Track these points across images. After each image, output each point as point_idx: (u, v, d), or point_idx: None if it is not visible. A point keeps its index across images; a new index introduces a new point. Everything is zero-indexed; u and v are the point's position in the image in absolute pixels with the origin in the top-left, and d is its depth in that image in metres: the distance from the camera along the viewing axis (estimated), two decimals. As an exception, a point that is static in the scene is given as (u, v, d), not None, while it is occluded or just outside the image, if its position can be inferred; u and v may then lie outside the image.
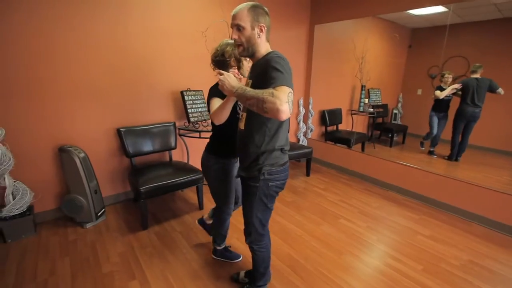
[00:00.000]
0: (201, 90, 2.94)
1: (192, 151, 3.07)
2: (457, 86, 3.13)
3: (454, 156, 3.29)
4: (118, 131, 2.47)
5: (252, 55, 1.26)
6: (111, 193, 2.68)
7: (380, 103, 4.19)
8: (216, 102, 1.42)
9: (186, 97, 2.76)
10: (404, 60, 3.95)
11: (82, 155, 2.23)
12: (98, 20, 2.29)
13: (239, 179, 1.58)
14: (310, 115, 4.21)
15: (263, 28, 1.20)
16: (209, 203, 2.68)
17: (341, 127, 4.33)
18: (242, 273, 1.76)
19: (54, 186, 2.36)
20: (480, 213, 2.52)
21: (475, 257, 2.04)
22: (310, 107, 4.20)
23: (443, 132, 3.48)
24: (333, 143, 4.07)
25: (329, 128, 4.26)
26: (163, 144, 2.73)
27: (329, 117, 4.17)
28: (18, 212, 2.08)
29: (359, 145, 3.99)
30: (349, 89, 4.25)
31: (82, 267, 1.83)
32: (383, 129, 4.33)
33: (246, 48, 1.22)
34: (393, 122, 4.24)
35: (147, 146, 2.62)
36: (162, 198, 2.86)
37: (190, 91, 2.82)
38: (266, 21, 1.21)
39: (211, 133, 1.69)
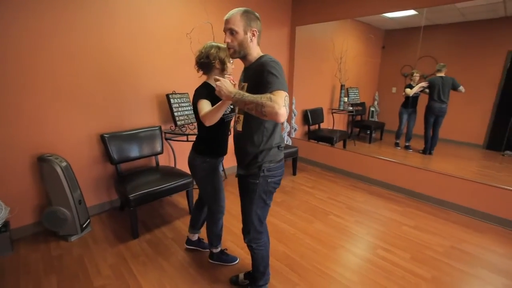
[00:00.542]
0: (187, 93, 2.89)
1: (179, 155, 3.00)
2: (424, 84, 3.39)
3: (428, 149, 3.52)
4: (102, 137, 2.35)
5: (243, 58, 1.31)
6: (95, 203, 2.55)
7: (359, 102, 4.38)
8: (206, 104, 1.47)
9: (172, 100, 2.69)
10: (379, 60, 4.16)
11: (64, 164, 2.10)
12: (81, 23, 2.17)
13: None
14: (293, 114, 4.29)
15: (255, 33, 1.26)
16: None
17: (322, 125, 4.45)
18: (241, 275, 1.76)
19: (32, 199, 2.20)
20: (455, 201, 2.72)
21: (455, 243, 2.20)
22: (294, 107, 4.28)
23: (416, 127, 3.72)
24: (316, 141, 4.18)
25: (312, 127, 4.37)
26: (149, 149, 2.64)
27: (312, 117, 4.27)
28: (-7, 229, 1.92)
29: (341, 143, 4.13)
30: (329, 88, 4.39)
31: (71, 284, 1.73)
32: (362, 126, 4.52)
33: (238, 51, 1.28)
34: (370, 119, 4.44)
35: (133, 152, 2.52)
36: (151, 204, 2.77)
37: (175, 94, 2.76)
38: (258, 25, 1.27)
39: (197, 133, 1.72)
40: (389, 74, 4.09)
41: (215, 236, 1.87)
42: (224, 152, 1.77)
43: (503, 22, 2.98)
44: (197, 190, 1.89)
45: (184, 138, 2.69)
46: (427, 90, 3.43)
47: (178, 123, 2.70)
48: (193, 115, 2.84)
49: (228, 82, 1.22)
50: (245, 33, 1.24)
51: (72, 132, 2.30)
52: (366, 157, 3.45)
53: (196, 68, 1.65)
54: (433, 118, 3.42)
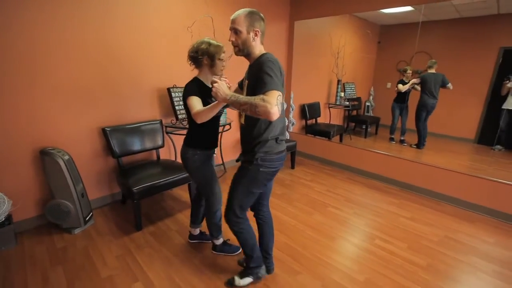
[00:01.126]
0: (187, 87, 2.89)
1: (180, 148, 3.00)
2: (416, 80, 3.48)
3: (422, 143, 3.63)
4: (103, 130, 2.35)
5: (247, 56, 1.40)
6: (97, 196, 2.55)
7: (355, 97, 4.44)
8: (197, 101, 1.53)
9: (173, 94, 2.69)
10: (374, 55, 4.22)
11: (66, 157, 2.10)
12: (81, 16, 2.14)
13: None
14: (291, 109, 4.33)
15: (257, 33, 1.34)
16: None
17: (319, 120, 4.51)
18: (237, 278, 1.79)
19: (34, 192, 2.19)
20: (449, 193, 2.83)
21: (449, 233, 2.30)
22: (291, 101, 4.31)
23: (408, 122, 3.81)
24: (313, 135, 4.23)
25: (309, 122, 4.42)
26: (151, 142, 2.65)
27: (309, 111, 4.32)
28: (-4, 223, 1.92)
29: (337, 137, 4.20)
30: (326, 83, 4.44)
31: (78, 275, 1.75)
32: (358, 121, 4.60)
33: (242, 49, 1.37)
34: (366, 114, 4.53)
35: (135, 145, 2.53)
36: (152, 198, 2.79)
37: (176, 87, 2.75)
38: (261, 26, 1.35)
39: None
40: (384, 69, 4.16)
41: (215, 226, 1.90)
42: (214, 145, 1.80)
43: (496, 19, 3.06)
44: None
45: (185, 131, 2.69)
46: (417, 87, 3.52)
47: (180, 116, 2.71)
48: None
49: (225, 85, 1.32)
50: (248, 32, 1.32)
51: (73, 126, 2.29)
52: (363, 151, 3.53)
53: (189, 62, 1.69)
54: (425, 112, 3.52)
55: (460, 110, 3.51)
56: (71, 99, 2.24)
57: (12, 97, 1.97)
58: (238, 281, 1.67)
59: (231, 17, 1.34)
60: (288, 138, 4.34)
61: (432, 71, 3.37)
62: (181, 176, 2.38)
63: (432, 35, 3.42)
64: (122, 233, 2.20)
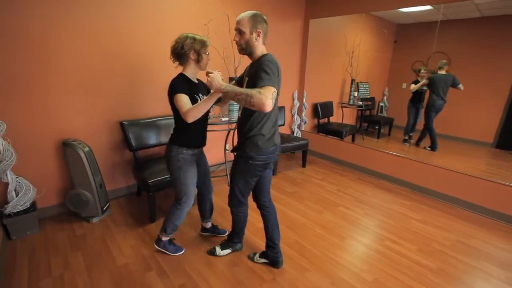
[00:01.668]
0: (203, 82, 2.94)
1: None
2: (425, 81, 3.41)
3: (436, 145, 3.55)
4: (121, 124, 2.44)
5: (249, 55, 1.50)
6: (113, 187, 2.65)
7: (369, 96, 4.39)
8: (186, 99, 1.52)
9: (188, 90, 2.75)
10: (390, 55, 4.15)
11: (86, 149, 2.20)
12: (98, 12, 2.23)
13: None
14: (304, 107, 4.33)
15: (260, 34, 1.44)
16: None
17: (332, 119, 4.49)
18: (257, 255, 1.90)
19: (56, 181, 2.31)
20: (462, 197, 2.77)
21: (462, 238, 2.27)
22: (304, 100, 4.31)
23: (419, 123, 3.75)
24: (325, 135, 4.22)
25: (321, 121, 4.41)
26: (166, 137, 2.72)
27: (322, 110, 4.31)
28: (22, 209, 2.03)
29: (350, 137, 4.17)
30: (340, 82, 4.40)
31: (96, 261, 1.84)
32: (371, 121, 4.55)
33: (245, 48, 1.47)
34: (379, 114, 4.46)
35: (151, 139, 2.61)
36: (165, 191, 2.87)
37: (191, 84, 2.81)
38: (264, 27, 1.45)
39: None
40: (400, 69, 4.08)
41: (172, 225, 1.82)
42: (202, 143, 1.77)
43: (520, 19, 2.96)
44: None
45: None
46: (424, 88, 3.46)
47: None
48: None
49: (219, 76, 1.41)
50: (251, 33, 1.42)
51: (92, 119, 2.39)
52: (375, 152, 3.50)
53: (172, 59, 1.66)
54: (435, 113, 3.46)
55: (478, 113, 3.42)
56: (91, 93, 2.34)
57: (40, 93, 2.08)
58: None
59: (237, 19, 1.44)
60: (300, 136, 4.35)
61: (443, 72, 3.30)
62: (194, 171, 2.44)
63: (451, 35, 3.34)
64: (137, 224, 2.29)
